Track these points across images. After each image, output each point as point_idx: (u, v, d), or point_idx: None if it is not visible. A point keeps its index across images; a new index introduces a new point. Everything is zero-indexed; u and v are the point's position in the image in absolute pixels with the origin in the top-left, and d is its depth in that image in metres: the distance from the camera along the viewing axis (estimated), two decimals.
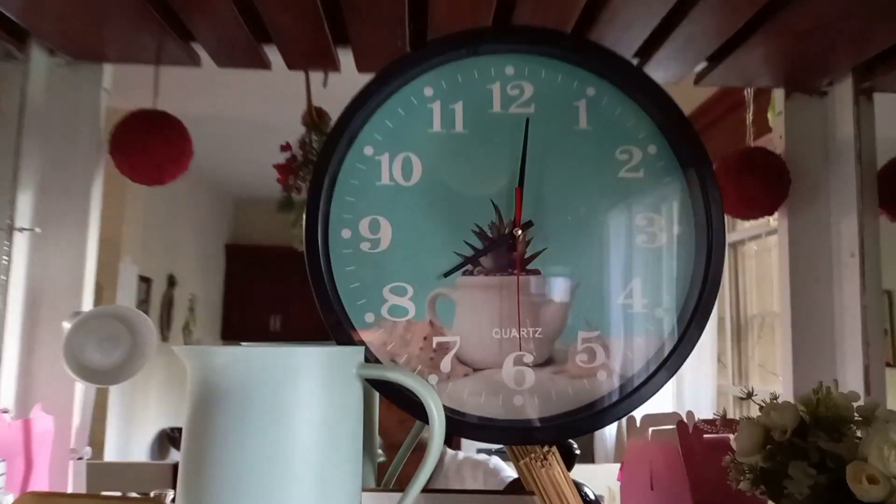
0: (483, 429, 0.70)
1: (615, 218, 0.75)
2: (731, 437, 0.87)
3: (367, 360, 0.64)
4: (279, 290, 4.93)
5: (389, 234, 0.73)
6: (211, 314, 5.07)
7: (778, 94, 1.46)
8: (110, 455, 3.43)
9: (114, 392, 3.44)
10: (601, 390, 0.73)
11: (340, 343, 0.70)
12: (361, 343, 0.71)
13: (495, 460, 1.60)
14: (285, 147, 1.45)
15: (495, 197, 0.74)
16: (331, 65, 1.38)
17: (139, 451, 3.93)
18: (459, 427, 0.70)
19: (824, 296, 1.30)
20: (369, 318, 0.72)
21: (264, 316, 5.12)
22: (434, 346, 0.72)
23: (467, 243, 0.73)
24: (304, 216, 0.72)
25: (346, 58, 1.32)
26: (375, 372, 0.60)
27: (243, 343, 0.68)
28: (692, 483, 0.82)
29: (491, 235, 0.73)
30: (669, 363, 0.72)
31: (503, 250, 0.73)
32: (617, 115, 0.76)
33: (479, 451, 2.16)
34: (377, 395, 0.79)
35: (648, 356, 0.73)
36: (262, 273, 4.95)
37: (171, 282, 4.32)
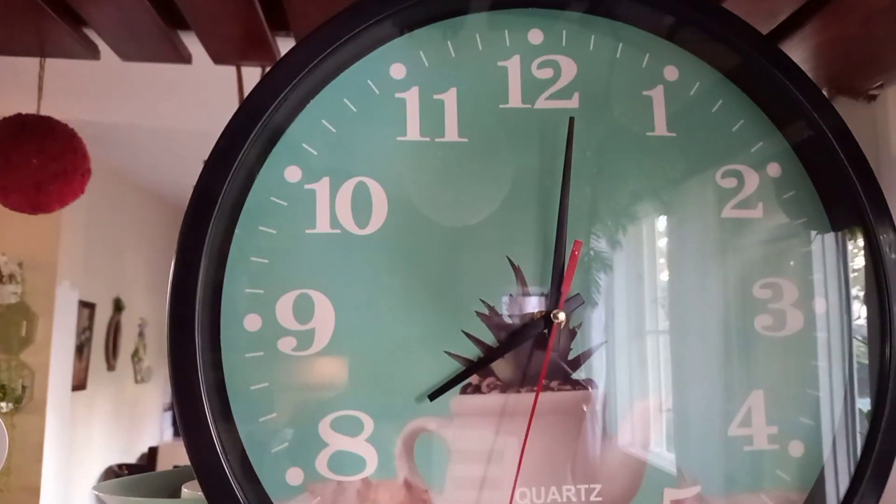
0: None
1: (717, 288, 0.44)
2: None
3: None
4: None
5: (331, 324, 0.41)
6: (163, 339, 4.69)
7: None
8: (48, 500, 3.10)
9: (50, 427, 3.12)
10: None
11: None
12: None
13: None
14: None
15: (514, 253, 0.43)
16: (268, 57, 1.06)
17: (82, 494, 3.57)
18: None
19: None
20: (294, 477, 0.40)
21: None
22: None
23: (468, 335, 0.42)
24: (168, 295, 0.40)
25: (287, 48, 1.02)
26: None
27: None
28: None
29: (510, 321, 0.42)
30: None
31: (533, 349, 0.42)
32: (715, 111, 0.45)
33: None
34: None
35: None
36: None
37: (118, 306, 3.98)
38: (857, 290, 0.44)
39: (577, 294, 0.43)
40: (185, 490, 0.47)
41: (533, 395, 0.41)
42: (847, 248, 0.45)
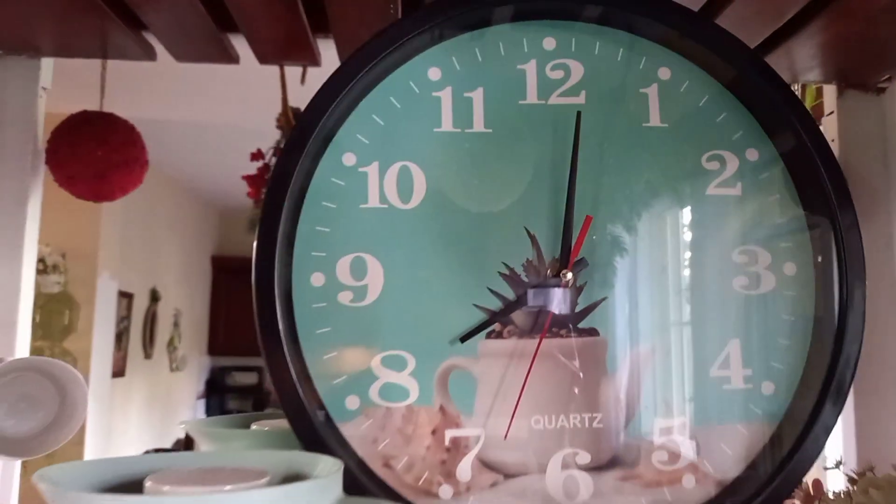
0: None
1: (703, 253, 0.53)
2: None
3: (347, 472, 0.41)
4: None
5: (380, 281, 0.50)
6: (197, 329, 4.84)
7: (828, 92, 1.25)
8: None
9: (92, 412, 3.25)
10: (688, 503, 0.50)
11: (307, 443, 0.47)
12: (341, 447, 0.48)
13: None
14: (256, 155, 1.23)
15: (531, 224, 0.52)
16: (309, 58, 1.15)
17: None
18: None
19: (892, 321, 1.08)
20: (352, 403, 0.49)
21: (252, 331, 4.86)
22: (447, 442, 0.49)
23: (492, 291, 0.51)
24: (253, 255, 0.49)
25: (327, 50, 1.10)
26: None
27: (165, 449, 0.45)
28: None
29: (527, 280, 0.51)
30: (792, 464, 0.49)
31: (545, 302, 0.51)
32: (702, 105, 0.54)
33: None
34: None
35: (755, 452, 0.51)
36: (251, 286, 4.72)
37: (154, 296, 4.11)
38: (823, 251, 0.52)
39: (583, 258, 0.51)
40: (253, 426, 0.57)
41: (546, 341, 0.50)
42: (812, 222, 0.53)
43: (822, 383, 0.50)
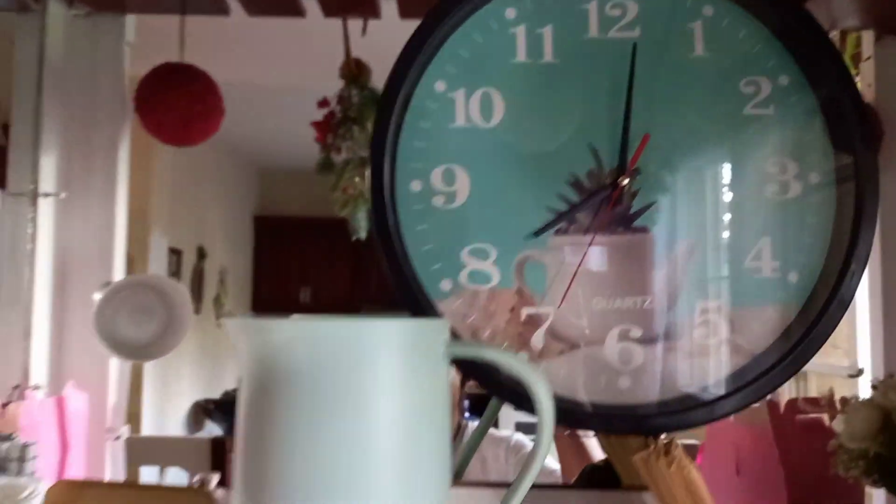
0: (594, 417, 0.58)
1: (739, 164, 0.62)
2: (825, 417, 0.75)
3: None
4: (308, 262, 4.86)
5: (467, 186, 0.61)
6: (241, 287, 5.01)
7: (866, 38, 1.30)
8: (147, 429, 3.42)
9: (148, 364, 3.43)
10: (722, 371, 0.61)
11: (412, 315, 0.58)
12: (438, 315, 0.59)
13: (517, 437, 1.49)
14: (323, 103, 1.33)
15: (594, 140, 0.61)
16: (370, 11, 1.25)
17: (174, 424, 3.91)
18: (568, 416, 0.58)
19: None
20: (446, 285, 0.60)
21: (294, 288, 5.05)
22: (523, 318, 0.60)
23: (560, 196, 0.61)
24: (368, 165, 0.60)
25: (387, 3, 1.20)
26: (470, 351, 0.49)
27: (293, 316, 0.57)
28: (784, 467, 0.72)
29: (589, 186, 0.61)
30: (808, 341, 0.59)
31: (604, 204, 0.61)
32: (741, 38, 0.63)
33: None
34: None
35: (780, 330, 0.61)
36: (291, 245, 4.87)
37: (201, 254, 4.26)
38: (841, 165, 0.61)
39: (637, 168, 0.61)
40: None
41: (605, 237, 0.61)
42: (834, 134, 0.62)
43: (838, 274, 0.60)
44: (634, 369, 0.60)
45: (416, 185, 0.61)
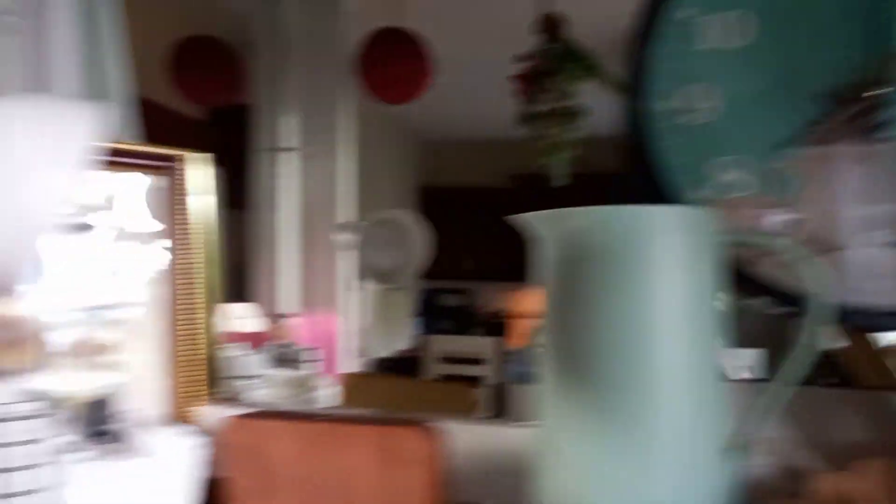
0: (855, 314, 0.62)
1: None
2: None
3: None
4: (470, 232, 5.00)
5: (719, 102, 0.66)
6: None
7: None
8: None
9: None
10: None
11: None
12: None
13: None
14: (524, 56, 1.41)
15: (845, 54, 0.64)
16: None
17: None
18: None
19: None
20: (698, 195, 0.66)
21: (456, 258, 5.22)
22: (776, 224, 0.65)
23: (811, 107, 0.64)
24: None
25: None
26: (756, 239, 0.54)
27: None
28: None
29: (840, 97, 0.64)
30: None
31: (856, 115, 0.63)
32: None
33: None
34: None
35: None
36: (454, 215, 5.02)
37: None
38: None
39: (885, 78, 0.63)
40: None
41: (855, 145, 0.63)
42: None
43: None
44: (887, 273, 0.63)
45: (662, 105, 0.67)
